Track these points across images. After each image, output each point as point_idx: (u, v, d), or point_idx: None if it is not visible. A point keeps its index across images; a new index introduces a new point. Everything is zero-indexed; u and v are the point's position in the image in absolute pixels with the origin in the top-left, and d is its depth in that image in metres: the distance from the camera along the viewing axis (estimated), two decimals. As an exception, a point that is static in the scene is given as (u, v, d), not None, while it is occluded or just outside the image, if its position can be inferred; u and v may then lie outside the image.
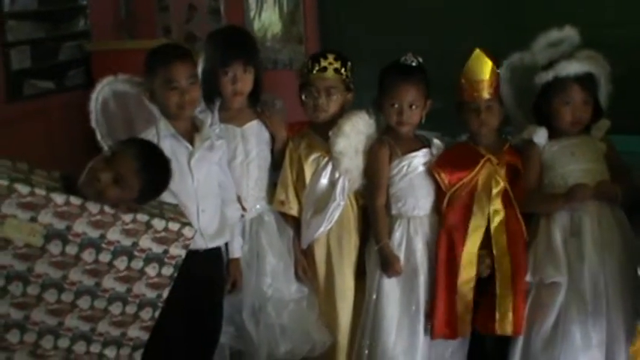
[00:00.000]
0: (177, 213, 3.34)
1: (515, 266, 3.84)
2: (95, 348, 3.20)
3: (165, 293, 3.24)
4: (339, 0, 6.30)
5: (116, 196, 3.13)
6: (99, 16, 7.10)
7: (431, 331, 3.94)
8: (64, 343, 3.13)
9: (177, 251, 3.20)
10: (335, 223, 4.07)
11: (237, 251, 4.05)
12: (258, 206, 4.12)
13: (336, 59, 4.08)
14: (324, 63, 4.07)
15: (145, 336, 3.28)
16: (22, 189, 2.94)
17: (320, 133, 4.10)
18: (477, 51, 3.97)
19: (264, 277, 4.08)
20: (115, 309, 3.17)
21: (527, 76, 3.97)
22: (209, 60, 4.08)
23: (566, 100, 3.84)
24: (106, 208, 3.06)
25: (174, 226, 3.18)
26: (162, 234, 3.16)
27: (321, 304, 4.13)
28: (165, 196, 3.53)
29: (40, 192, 2.96)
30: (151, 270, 3.18)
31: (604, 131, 3.89)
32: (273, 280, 4.09)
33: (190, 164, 3.78)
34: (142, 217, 3.12)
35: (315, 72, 4.07)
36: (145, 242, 3.14)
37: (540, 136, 3.88)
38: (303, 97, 4.11)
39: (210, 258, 3.86)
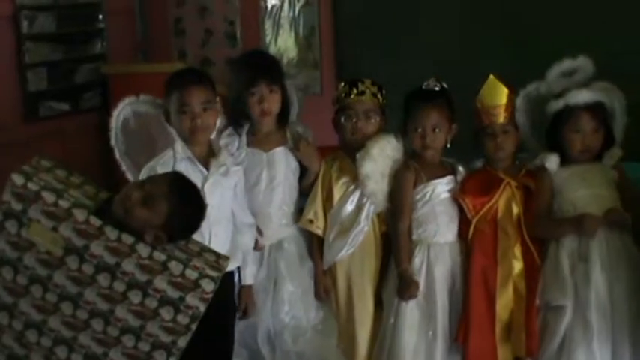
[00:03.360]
0: (207, 263, 3.17)
1: (529, 289, 3.87)
2: None
3: (182, 342, 3.11)
4: (354, 26, 6.35)
5: (143, 217, 3.08)
6: (116, 39, 7.16)
7: (465, 358, 3.95)
8: (77, 358, 3.10)
9: (195, 302, 3.07)
10: (357, 247, 4.07)
11: (249, 278, 4.04)
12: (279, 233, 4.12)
13: (372, 84, 4.13)
14: (362, 87, 4.11)
15: None
16: (49, 198, 2.98)
17: (352, 156, 4.10)
18: (491, 77, 4.02)
19: (281, 304, 4.08)
20: (128, 341, 3.09)
21: (543, 105, 4.00)
22: (235, 83, 4.11)
23: (576, 128, 3.87)
24: (124, 237, 3.02)
25: (191, 275, 3.06)
26: (179, 279, 3.05)
27: (340, 329, 4.12)
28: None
29: (64, 204, 2.98)
30: (166, 313, 3.07)
31: (615, 160, 3.91)
32: (291, 307, 4.09)
33: (204, 189, 3.74)
34: (160, 256, 3.04)
35: (353, 96, 4.10)
36: (161, 283, 3.04)
37: (552, 161, 3.90)
38: (342, 120, 4.13)
39: (221, 282, 3.86)
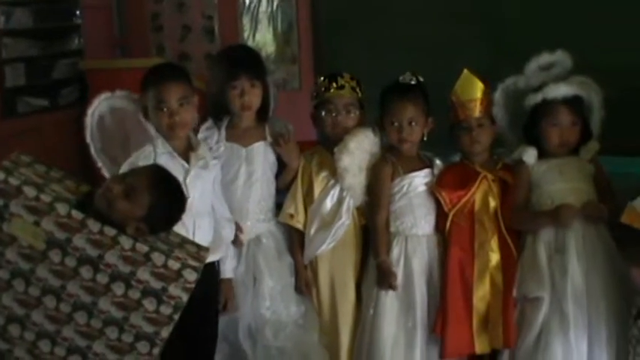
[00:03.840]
0: (189, 254, 3.20)
1: (506, 281, 3.91)
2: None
3: (165, 333, 3.13)
4: (332, 21, 6.36)
5: (125, 209, 3.08)
6: (93, 34, 7.14)
7: (442, 350, 3.97)
8: (60, 351, 3.10)
9: (177, 292, 3.09)
10: (339, 240, 4.09)
11: (228, 272, 4.04)
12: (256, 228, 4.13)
13: (351, 78, 4.15)
14: (341, 81, 4.13)
15: None
16: (29, 192, 2.97)
17: (331, 151, 4.11)
18: (466, 71, 4.05)
19: (261, 299, 4.09)
20: (111, 333, 3.10)
21: (521, 99, 4.03)
22: (216, 77, 4.12)
23: (553, 122, 3.90)
24: (106, 230, 3.03)
25: (174, 265, 3.07)
26: (161, 270, 3.06)
27: (322, 324, 4.14)
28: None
29: (45, 198, 2.98)
30: (149, 304, 3.08)
31: (592, 153, 3.94)
32: (271, 302, 4.09)
33: (186, 182, 3.76)
34: (142, 248, 3.05)
35: (333, 90, 4.12)
36: (144, 274, 3.05)
37: (530, 155, 3.93)
38: (322, 114, 4.14)
39: (204, 273, 3.87)
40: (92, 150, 3.98)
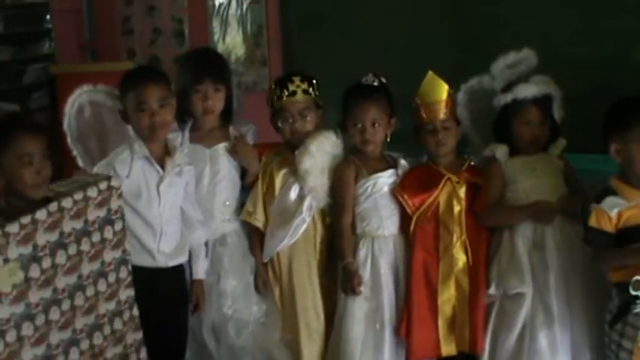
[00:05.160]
0: (89, 176, 3.50)
1: (474, 284, 3.92)
2: (107, 330, 3.34)
3: (127, 244, 3.41)
4: (302, 23, 6.37)
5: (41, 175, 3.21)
6: (64, 39, 7.13)
7: (408, 353, 3.99)
8: (84, 344, 3.24)
9: (117, 203, 3.35)
10: (299, 239, 4.09)
11: (201, 273, 4.05)
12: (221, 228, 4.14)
13: (302, 80, 4.12)
14: (292, 87, 4.10)
15: (131, 292, 3.45)
16: None
17: (293, 150, 4.11)
18: (430, 73, 4.05)
19: (224, 298, 4.09)
20: (101, 286, 3.29)
21: (486, 98, 4.06)
22: (181, 80, 4.13)
23: (524, 120, 3.94)
24: (51, 208, 3.08)
25: (103, 185, 3.29)
26: (99, 198, 3.26)
27: (284, 323, 4.13)
28: (131, 218, 3.62)
29: None
30: (108, 233, 3.31)
31: (561, 149, 3.98)
32: (234, 301, 4.10)
33: (159, 189, 3.80)
34: (79, 195, 3.19)
35: (285, 98, 4.10)
36: (92, 214, 3.23)
37: (501, 152, 3.96)
38: (279, 123, 4.13)
39: (172, 275, 3.89)
40: (69, 138, 4.03)
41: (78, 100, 4.05)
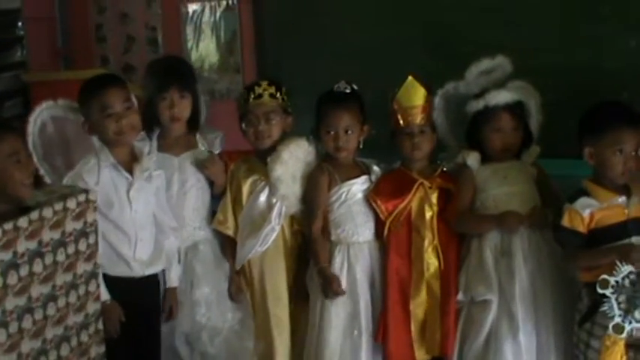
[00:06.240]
0: (64, 187, 3.52)
1: (445, 289, 3.94)
2: (74, 342, 3.34)
3: (98, 258, 3.43)
4: (276, 30, 6.35)
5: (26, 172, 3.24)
6: (36, 46, 7.07)
7: (384, 358, 4.00)
8: (52, 355, 3.22)
9: (92, 216, 3.37)
10: (271, 246, 4.09)
11: (174, 280, 4.05)
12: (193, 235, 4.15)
13: (269, 85, 4.14)
14: (258, 90, 4.11)
15: (98, 305, 3.46)
16: None
17: (261, 158, 4.12)
18: (410, 77, 4.06)
19: (197, 306, 4.10)
20: (72, 297, 3.30)
21: (462, 104, 4.06)
22: (148, 88, 4.14)
23: (496, 127, 3.94)
24: (32, 216, 3.08)
25: (82, 197, 3.31)
26: (77, 210, 3.28)
27: (257, 330, 4.14)
28: (105, 227, 3.64)
29: None
30: (82, 246, 3.32)
31: (534, 157, 3.99)
32: (207, 309, 4.11)
33: (129, 195, 3.80)
34: (59, 205, 3.20)
35: (251, 100, 4.11)
36: (69, 226, 3.25)
37: (473, 159, 3.97)
38: (244, 126, 4.14)
39: (146, 284, 3.89)
40: (34, 158, 3.97)
41: (40, 118, 4.02)
